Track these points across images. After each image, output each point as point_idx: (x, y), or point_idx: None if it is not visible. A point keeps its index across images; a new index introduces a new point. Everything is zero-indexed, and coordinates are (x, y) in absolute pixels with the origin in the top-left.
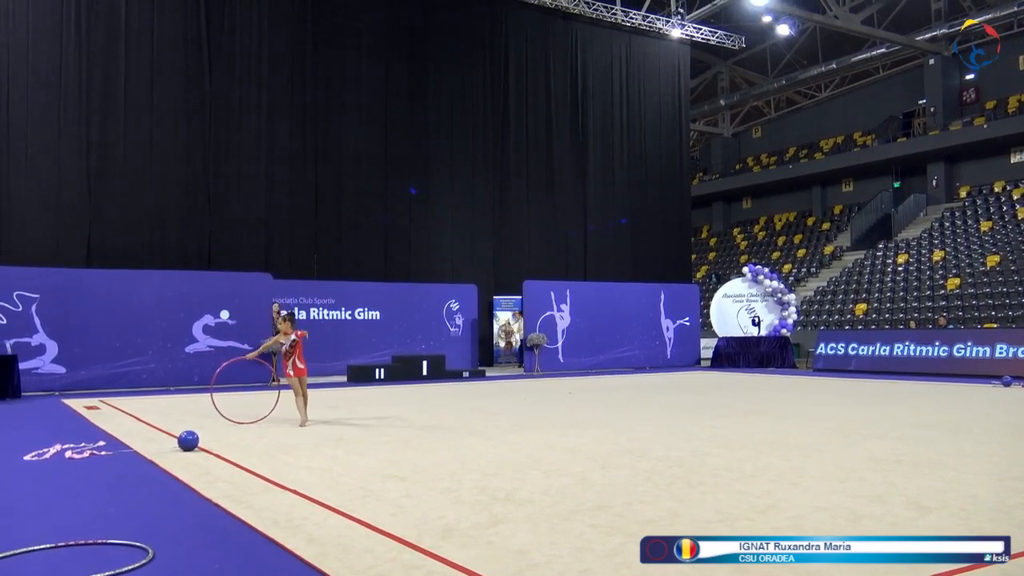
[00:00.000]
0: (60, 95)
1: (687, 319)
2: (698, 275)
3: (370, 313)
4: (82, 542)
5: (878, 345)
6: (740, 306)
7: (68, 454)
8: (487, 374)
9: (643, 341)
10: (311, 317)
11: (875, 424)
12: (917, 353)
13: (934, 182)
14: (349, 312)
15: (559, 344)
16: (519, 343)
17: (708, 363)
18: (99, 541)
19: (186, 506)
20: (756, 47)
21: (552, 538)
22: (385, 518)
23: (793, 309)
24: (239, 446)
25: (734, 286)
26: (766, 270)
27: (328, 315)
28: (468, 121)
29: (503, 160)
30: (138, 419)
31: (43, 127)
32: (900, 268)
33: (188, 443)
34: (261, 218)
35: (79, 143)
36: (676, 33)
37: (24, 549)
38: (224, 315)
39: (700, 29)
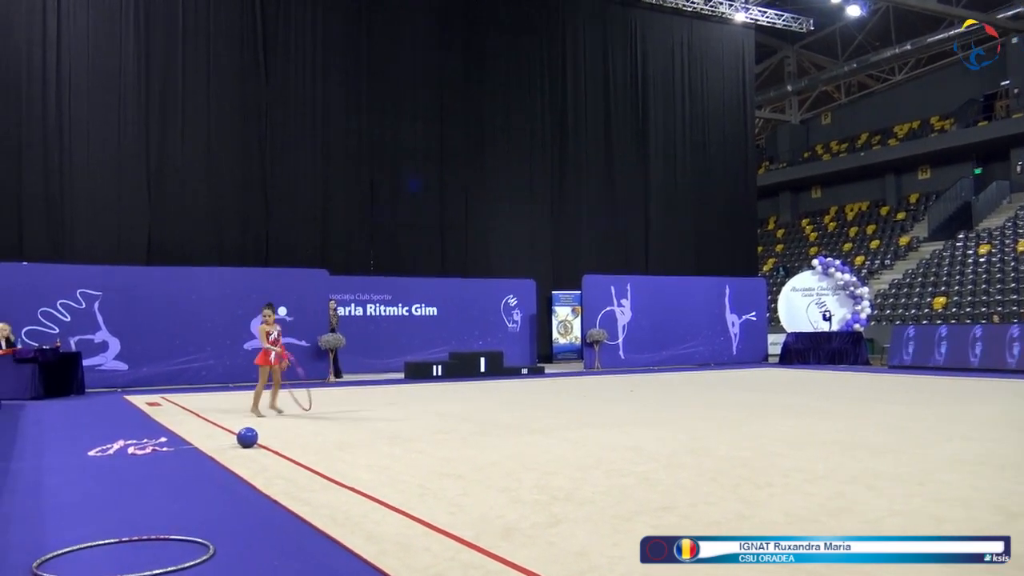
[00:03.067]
0: (119, 95)
1: (753, 314)
2: (765, 268)
3: (427, 309)
4: (144, 537)
5: (959, 341)
6: (810, 300)
7: (131, 450)
8: (546, 371)
9: (707, 337)
10: (367, 313)
11: (956, 423)
12: (1002, 349)
13: (1018, 168)
14: (406, 308)
15: (620, 340)
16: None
17: (776, 359)
18: (161, 536)
19: (245, 503)
20: (825, 29)
21: (614, 539)
22: (443, 517)
23: (866, 303)
24: (297, 443)
25: (803, 279)
26: (837, 262)
27: (385, 311)
28: (525, 113)
29: (562, 152)
30: (198, 416)
31: (103, 128)
32: (982, 259)
33: (247, 440)
34: (318, 214)
35: (138, 143)
36: (740, 17)
37: (88, 544)
38: (282, 311)
39: (765, 12)
